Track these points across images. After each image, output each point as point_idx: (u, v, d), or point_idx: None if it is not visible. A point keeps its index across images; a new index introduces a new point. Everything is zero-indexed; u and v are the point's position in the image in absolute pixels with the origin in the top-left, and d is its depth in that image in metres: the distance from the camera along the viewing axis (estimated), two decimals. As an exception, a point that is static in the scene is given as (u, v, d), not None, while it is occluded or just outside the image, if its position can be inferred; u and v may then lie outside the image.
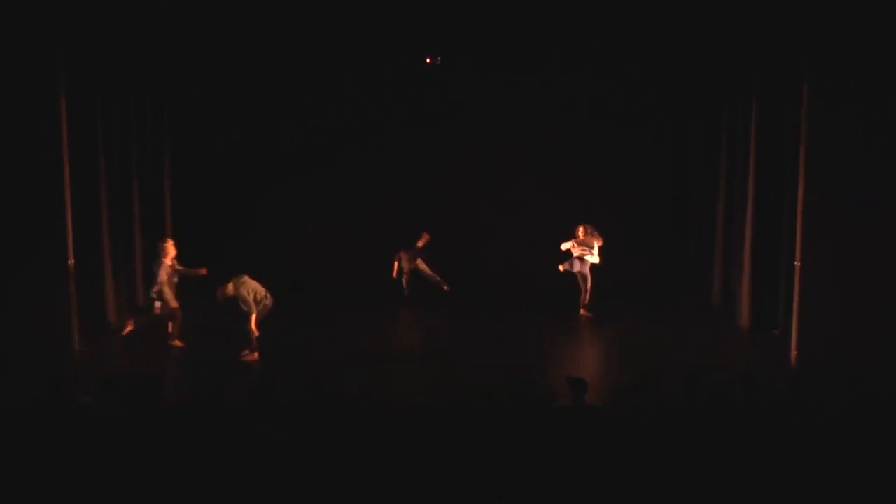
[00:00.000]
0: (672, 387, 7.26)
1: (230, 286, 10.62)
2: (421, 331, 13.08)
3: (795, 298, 10.24)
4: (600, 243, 13.04)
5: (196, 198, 15.09)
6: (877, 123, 9.77)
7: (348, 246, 15.22)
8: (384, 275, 14.48)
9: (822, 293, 9.99)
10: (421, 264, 14.39)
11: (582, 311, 13.03)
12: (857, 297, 9.89)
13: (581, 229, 13.04)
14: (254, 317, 10.60)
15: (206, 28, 10.88)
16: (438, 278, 14.40)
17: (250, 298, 10.61)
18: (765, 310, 12.03)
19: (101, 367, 9.74)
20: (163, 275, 11.05)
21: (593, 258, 12.99)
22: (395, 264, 14.43)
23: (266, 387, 6.94)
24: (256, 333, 10.60)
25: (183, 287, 11.42)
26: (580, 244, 12.96)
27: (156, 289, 11.12)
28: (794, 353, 10.26)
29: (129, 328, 11.28)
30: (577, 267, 12.99)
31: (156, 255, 11.21)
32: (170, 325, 11.23)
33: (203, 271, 11.31)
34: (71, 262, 10.32)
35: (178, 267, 11.25)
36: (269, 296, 10.82)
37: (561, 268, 13.08)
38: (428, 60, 12.78)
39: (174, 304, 11.07)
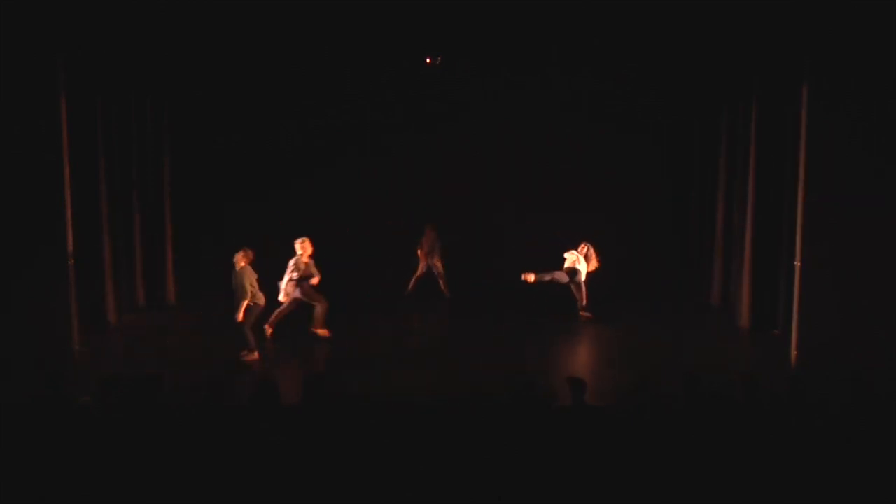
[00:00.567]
0: (672, 387, 7.26)
1: (241, 258, 10.66)
2: (421, 331, 13.09)
3: (795, 298, 10.23)
4: (595, 266, 13.02)
5: (196, 198, 15.09)
6: (877, 123, 9.76)
7: (348, 246, 15.21)
8: (384, 275, 14.50)
9: (822, 293, 9.99)
10: (437, 262, 14.47)
11: (581, 314, 13.01)
12: (857, 297, 9.88)
13: (583, 246, 13.02)
14: (245, 304, 10.58)
15: (205, 28, 10.88)
16: (444, 281, 14.47)
17: (247, 284, 10.61)
18: (765, 310, 12.02)
19: (101, 367, 9.76)
20: (294, 269, 11.40)
21: (581, 271, 12.96)
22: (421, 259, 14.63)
23: (266, 387, 6.94)
24: (240, 319, 10.62)
25: (184, 286, 11.41)
26: (580, 256, 12.95)
27: (287, 281, 11.47)
28: (794, 353, 10.25)
29: (269, 331, 11.41)
30: (563, 279, 12.98)
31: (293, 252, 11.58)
32: (316, 311, 11.60)
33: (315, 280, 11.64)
34: (71, 262, 10.32)
35: (310, 263, 11.54)
36: (262, 297, 10.82)
37: (532, 278, 12.91)
38: (428, 60, 12.78)
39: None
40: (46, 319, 10.13)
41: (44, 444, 6.19)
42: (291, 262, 11.49)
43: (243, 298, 10.58)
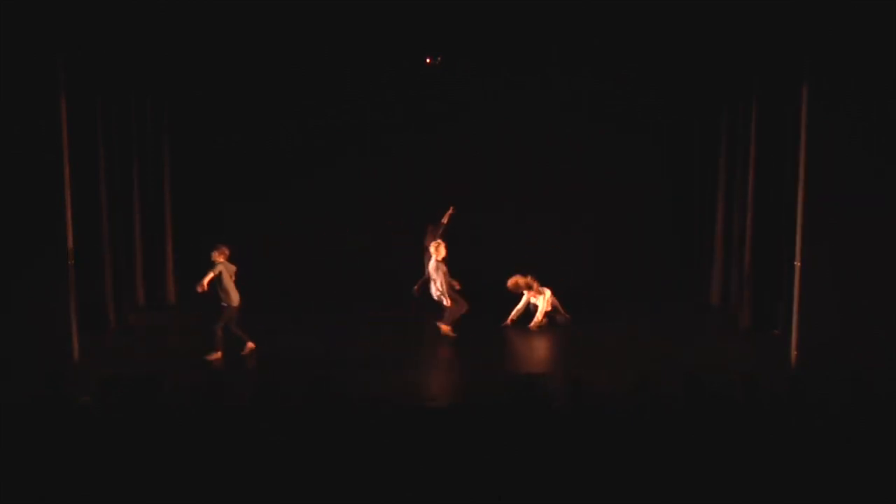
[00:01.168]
0: (672, 387, 7.26)
1: (217, 255, 10.86)
2: (421, 331, 13.07)
3: (795, 298, 10.23)
4: (547, 309, 12.82)
5: (196, 198, 15.09)
6: (877, 123, 9.77)
7: (348, 246, 15.21)
8: (384, 274, 14.49)
9: (822, 293, 9.99)
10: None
11: (558, 318, 12.90)
12: (857, 297, 9.89)
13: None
14: (209, 276, 10.75)
15: (205, 28, 10.89)
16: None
17: (230, 288, 10.79)
18: (765, 310, 12.03)
19: (101, 367, 9.76)
20: (436, 272, 12.04)
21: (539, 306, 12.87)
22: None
23: (266, 387, 6.93)
24: (219, 327, 10.79)
25: (184, 286, 11.41)
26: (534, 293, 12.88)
27: (438, 289, 12.10)
28: (794, 353, 10.26)
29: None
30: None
31: (429, 256, 12.10)
32: (447, 311, 12.04)
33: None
34: (71, 262, 10.32)
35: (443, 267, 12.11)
36: (236, 297, 10.91)
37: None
38: (428, 60, 12.79)
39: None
40: (46, 319, 10.14)
41: (44, 444, 6.19)
42: (431, 268, 12.16)
43: (210, 271, 10.75)
